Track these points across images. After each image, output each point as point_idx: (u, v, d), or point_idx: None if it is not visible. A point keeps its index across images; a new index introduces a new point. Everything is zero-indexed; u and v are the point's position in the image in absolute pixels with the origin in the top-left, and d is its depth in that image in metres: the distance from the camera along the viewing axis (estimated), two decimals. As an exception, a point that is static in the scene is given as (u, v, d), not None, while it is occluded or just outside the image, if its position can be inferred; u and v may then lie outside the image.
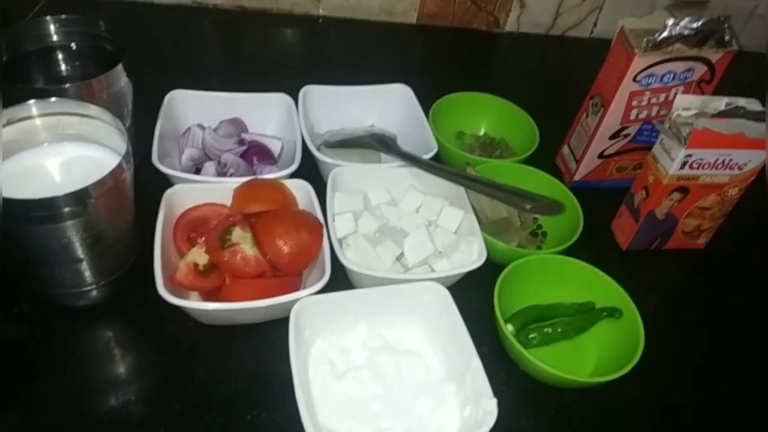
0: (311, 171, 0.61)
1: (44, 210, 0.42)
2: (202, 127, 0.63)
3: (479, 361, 0.46)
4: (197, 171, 0.61)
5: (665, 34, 0.58)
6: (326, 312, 0.49)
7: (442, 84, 0.76)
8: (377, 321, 0.51)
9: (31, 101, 0.46)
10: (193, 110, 0.64)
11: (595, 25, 1.02)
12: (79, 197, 0.42)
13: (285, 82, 0.69)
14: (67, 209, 0.42)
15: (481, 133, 0.77)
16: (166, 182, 0.56)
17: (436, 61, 0.94)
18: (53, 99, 0.47)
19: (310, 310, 0.48)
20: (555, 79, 0.95)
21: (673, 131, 0.58)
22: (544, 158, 0.71)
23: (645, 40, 0.59)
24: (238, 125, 0.65)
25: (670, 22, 0.57)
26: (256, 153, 0.63)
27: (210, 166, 0.59)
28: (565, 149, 0.74)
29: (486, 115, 0.77)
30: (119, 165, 0.44)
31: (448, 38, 0.97)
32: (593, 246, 0.60)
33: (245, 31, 0.91)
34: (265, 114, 0.67)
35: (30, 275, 0.50)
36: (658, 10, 0.65)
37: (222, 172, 0.60)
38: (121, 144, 0.47)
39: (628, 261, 0.65)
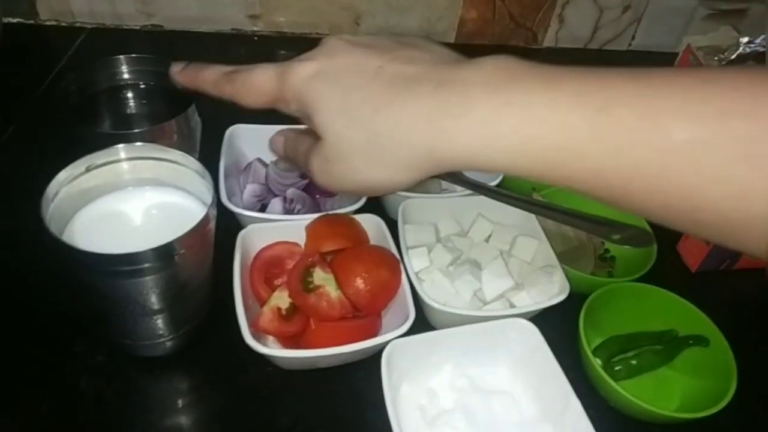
0: (372, 203, 0.60)
1: (128, 265, 0.40)
2: (263, 163, 0.62)
3: (578, 402, 0.45)
4: (262, 207, 0.59)
5: (739, 51, 0.56)
6: (412, 354, 0.48)
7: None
8: (462, 360, 0.50)
9: (119, 146, 0.45)
10: (252, 144, 0.63)
11: (633, 37, 1.01)
12: (166, 252, 0.41)
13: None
14: (152, 264, 0.41)
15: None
16: (231, 220, 0.55)
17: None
18: (138, 144, 0.46)
19: (399, 352, 0.46)
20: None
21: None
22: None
23: (717, 58, 0.58)
24: (297, 158, 0.64)
25: (744, 40, 0.56)
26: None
27: (277, 203, 0.58)
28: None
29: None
30: (206, 216, 0.42)
31: (487, 55, 0.95)
32: (660, 268, 0.59)
33: (286, 58, 0.90)
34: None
35: (106, 326, 0.49)
36: (722, 27, 0.64)
37: (289, 208, 0.58)
38: (203, 190, 0.46)
39: (699, 283, 0.64)
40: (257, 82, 0.36)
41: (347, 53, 0.34)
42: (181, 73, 0.41)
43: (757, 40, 0.57)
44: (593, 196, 0.28)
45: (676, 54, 0.99)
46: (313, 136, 0.37)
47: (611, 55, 1.01)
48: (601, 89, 0.27)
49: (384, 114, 0.31)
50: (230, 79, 0.38)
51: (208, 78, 0.39)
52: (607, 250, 0.64)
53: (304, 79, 0.34)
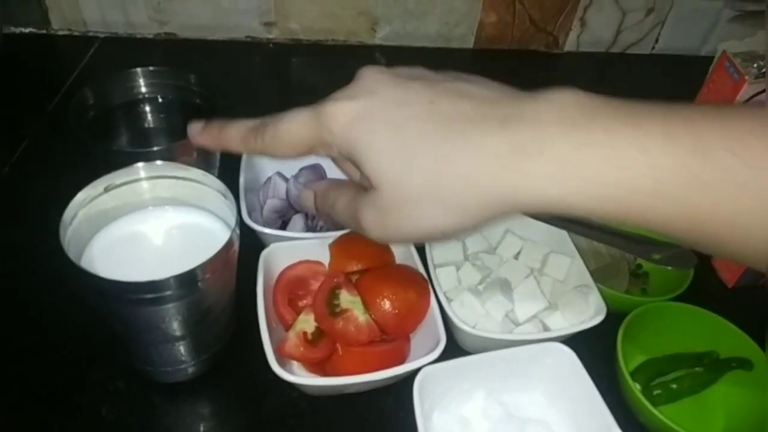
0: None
1: (149, 292, 0.38)
2: (283, 177, 0.60)
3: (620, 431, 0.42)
4: (283, 224, 0.57)
5: (781, 59, 0.54)
6: (444, 380, 0.46)
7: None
8: (495, 387, 0.48)
9: (139, 165, 0.43)
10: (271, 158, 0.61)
11: (656, 40, 0.98)
12: (189, 279, 0.39)
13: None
14: (174, 291, 0.39)
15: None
16: (252, 237, 0.53)
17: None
18: (158, 162, 0.44)
19: (431, 379, 0.44)
20: (622, 97, 0.91)
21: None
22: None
23: (755, 66, 0.55)
24: (318, 171, 0.62)
25: (786, 47, 0.54)
26: (340, 201, 0.60)
27: (298, 220, 0.56)
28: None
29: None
30: (230, 239, 0.40)
31: (507, 61, 0.93)
32: (695, 284, 0.56)
33: (303, 65, 0.88)
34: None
35: (127, 353, 0.47)
36: (759, 32, 0.61)
37: (311, 225, 0.56)
38: (224, 210, 0.44)
39: (737, 299, 0.61)
40: (291, 132, 0.34)
41: (390, 87, 0.32)
42: (202, 136, 0.39)
43: (801, 47, 0.54)
44: (683, 240, 0.27)
45: (702, 57, 0.97)
46: (352, 185, 0.35)
47: (635, 60, 0.99)
48: (688, 130, 0.25)
49: (447, 155, 0.29)
50: (259, 132, 0.35)
51: (233, 136, 0.37)
52: (639, 266, 0.62)
53: (346, 121, 0.31)
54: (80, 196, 0.42)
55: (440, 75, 0.33)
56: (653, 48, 0.99)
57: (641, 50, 0.99)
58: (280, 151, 0.35)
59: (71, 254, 0.39)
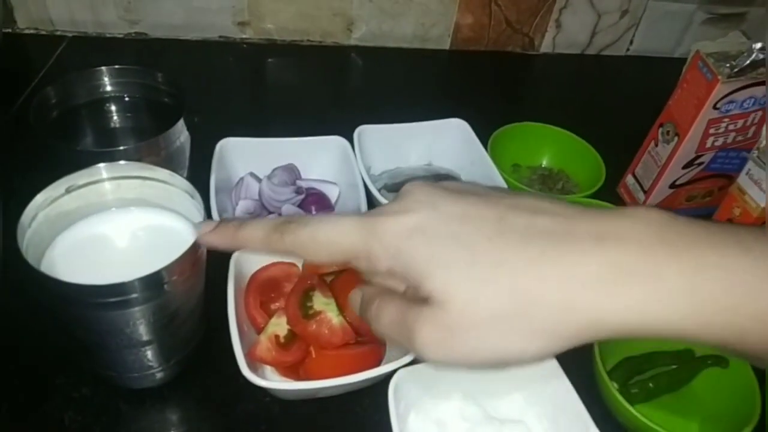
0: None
1: (113, 296, 0.37)
2: (256, 177, 0.59)
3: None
4: (256, 226, 0.56)
5: (753, 58, 0.54)
6: (420, 382, 0.45)
7: (485, 111, 0.71)
8: (472, 388, 0.47)
9: (100, 165, 0.42)
10: (243, 158, 0.60)
11: (631, 42, 0.99)
12: (154, 281, 0.37)
13: (329, 119, 0.65)
14: (139, 294, 0.37)
15: (540, 164, 0.73)
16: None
17: (474, 88, 0.90)
18: (122, 162, 0.42)
19: (407, 381, 0.43)
20: (597, 100, 0.91)
21: (762, 161, 0.54)
22: (604, 187, 0.67)
23: (728, 65, 0.56)
24: (292, 172, 0.61)
25: (758, 45, 0.54)
26: (314, 201, 0.59)
27: (271, 221, 0.55)
28: (630, 179, 0.70)
29: (542, 144, 0.73)
30: (197, 241, 0.39)
31: (483, 62, 0.93)
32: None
33: (277, 66, 0.87)
34: (317, 157, 0.63)
35: (91, 359, 0.45)
36: (731, 33, 0.62)
37: (285, 226, 0.55)
38: (193, 211, 0.43)
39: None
40: (331, 238, 0.31)
41: (449, 203, 0.30)
42: (213, 236, 0.36)
43: (773, 46, 0.55)
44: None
45: (675, 59, 0.98)
46: (400, 296, 0.32)
47: (610, 61, 1.00)
48: None
49: (531, 276, 0.26)
50: (287, 231, 0.32)
51: (253, 236, 0.34)
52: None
53: (405, 234, 0.29)
54: (40, 198, 0.40)
55: (500, 191, 0.31)
56: (628, 50, 1.00)
57: (616, 52, 1.00)
58: (315, 255, 0.32)
59: (30, 258, 0.38)
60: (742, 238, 0.25)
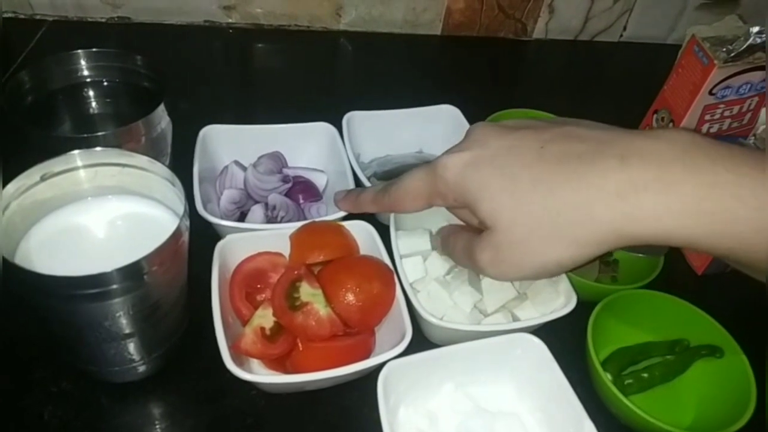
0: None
1: (91, 287, 0.35)
2: (241, 166, 0.57)
3: (592, 425, 0.41)
4: (242, 215, 0.55)
5: (750, 42, 0.53)
6: (410, 374, 0.44)
7: (477, 97, 0.70)
8: (463, 379, 0.46)
9: (75, 152, 0.40)
10: (228, 146, 0.58)
11: (624, 28, 0.98)
12: (134, 271, 0.36)
13: (317, 106, 0.64)
14: (118, 285, 0.36)
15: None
16: (208, 229, 0.50)
17: (466, 74, 0.88)
18: (98, 149, 0.41)
19: (396, 374, 0.42)
20: (591, 87, 0.90)
21: (758, 147, 0.53)
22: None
23: (724, 50, 0.54)
24: (278, 160, 0.59)
25: (755, 29, 0.53)
26: (301, 190, 0.57)
27: (258, 210, 0.53)
28: (623, 166, 0.69)
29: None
30: (178, 228, 0.38)
31: (475, 48, 0.91)
32: (665, 271, 0.55)
33: (264, 51, 0.85)
34: (304, 145, 0.61)
35: (71, 353, 0.44)
36: (728, 16, 0.60)
37: (271, 216, 0.54)
38: (174, 199, 0.41)
39: (707, 286, 0.61)
40: (411, 187, 0.39)
41: (500, 137, 0.35)
42: (342, 202, 0.48)
43: (769, 30, 0.53)
44: None
45: (669, 45, 0.97)
46: (469, 229, 0.39)
47: (603, 47, 0.98)
48: None
49: (562, 192, 0.31)
50: (386, 192, 0.41)
51: (366, 199, 0.45)
52: (609, 254, 0.61)
53: (459, 169, 0.35)
54: (12, 187, 0.38)
55: (549, 122, 0.35)
56: (621, 36, 0.99)
57: (609, 38, 0.99)
58: (405, 205, 0.40)
59: (4, 249, 0.36)
60: (760, 161, 0.28)
